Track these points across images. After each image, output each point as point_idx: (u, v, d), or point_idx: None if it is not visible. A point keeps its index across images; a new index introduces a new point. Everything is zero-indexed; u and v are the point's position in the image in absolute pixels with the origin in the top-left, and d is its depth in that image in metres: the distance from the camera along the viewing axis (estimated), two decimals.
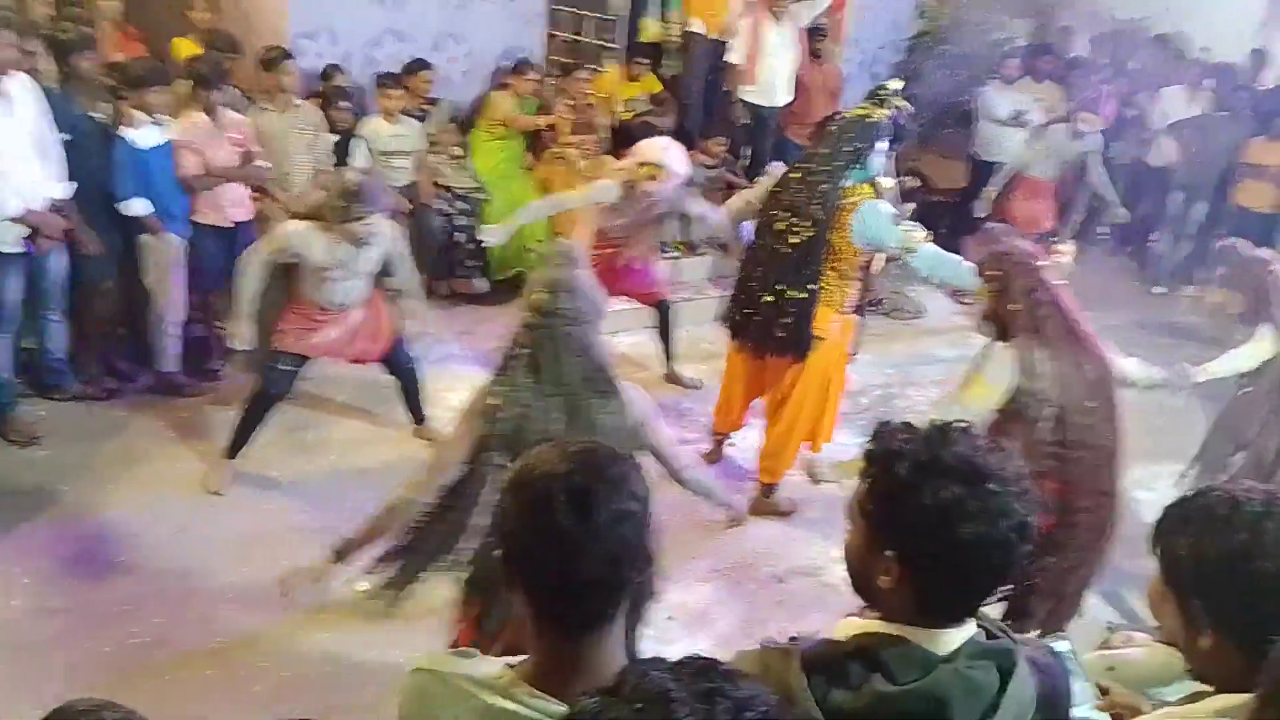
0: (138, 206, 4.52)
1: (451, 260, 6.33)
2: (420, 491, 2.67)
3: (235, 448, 4.31)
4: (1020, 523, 1.39)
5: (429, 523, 2.69)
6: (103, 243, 4.53)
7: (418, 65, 6.16)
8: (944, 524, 1.36)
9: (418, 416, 4.80)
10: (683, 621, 3.84)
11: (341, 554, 2.75)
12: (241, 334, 4.17)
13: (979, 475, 1.38)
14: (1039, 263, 3.20)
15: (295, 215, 4.24)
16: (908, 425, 1.49)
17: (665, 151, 4.84)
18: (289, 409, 4.43)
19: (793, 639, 1.63)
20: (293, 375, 4.29)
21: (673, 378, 5.61)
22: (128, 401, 4.87)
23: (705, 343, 6.06)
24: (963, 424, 1.48)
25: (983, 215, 6.93)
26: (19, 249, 4.21)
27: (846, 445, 4.95)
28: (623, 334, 5.95)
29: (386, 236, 4.25)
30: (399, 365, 4.62)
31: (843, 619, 1.57)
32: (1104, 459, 3.14)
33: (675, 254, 6.71)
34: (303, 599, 2.99)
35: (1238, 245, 4.26)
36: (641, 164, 4.79)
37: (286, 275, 4.19)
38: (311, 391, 5.00)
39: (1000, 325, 3.20)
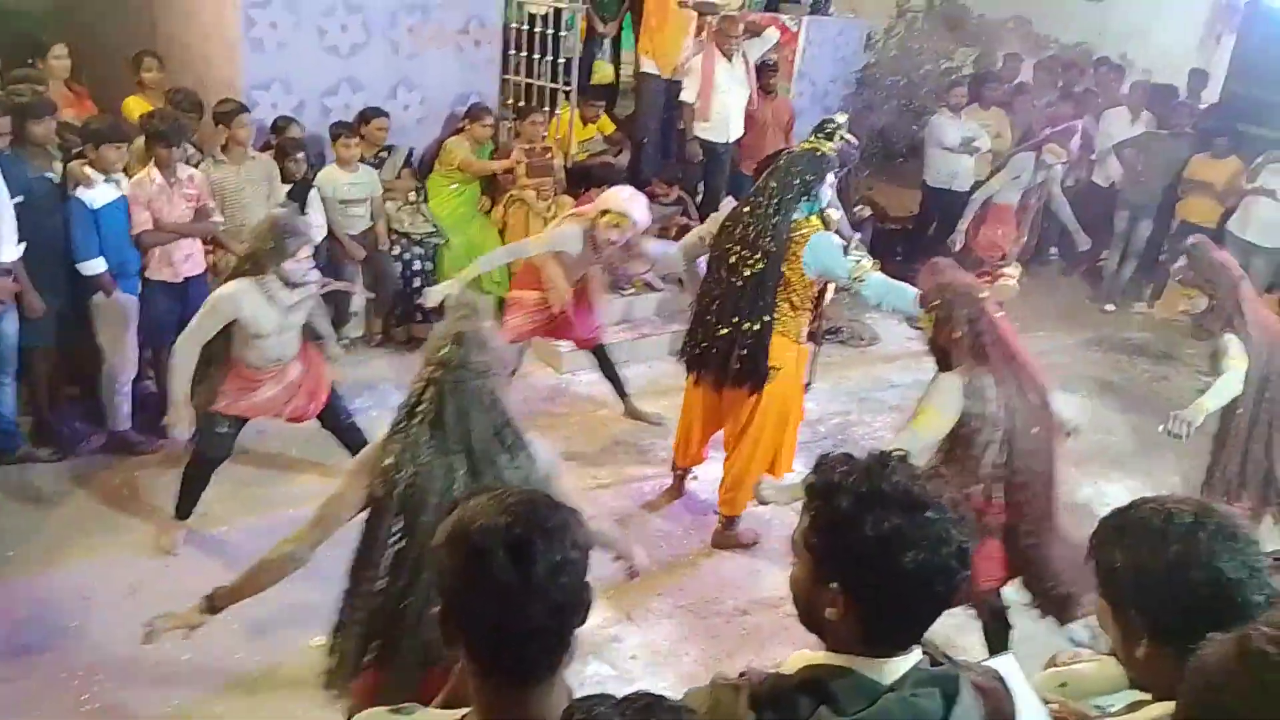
0: (96, 266, 4.48)
1: (409, 305, 6.32)
2: (300, 545, 2.56)
3: (184, 509, 4.25)
4: (960, 548, 1.41)
5: (350, 600, 2.58)
6: (49, 303, 4.47)
7: (372, 113, 6.18)
8: (886, 554, 1.38)
9: None
10: (646, 660, 3.81)
11: (215, 604, 2.62)
12: (179, 419, 4.00)
13: (918, 504, 1.41)
14: (980, 294, 3.27)
15: (229, 275, 4.15)
16: (847, 457, 1.51)
17: (629, 201, 4.84)
18: (241, 465, 4.37)
19: (742, 674, 1.64)
20: (232, 437, 4.22)
21: (633, 413, 5.60)
22: (78, 463, 4.78)
23: (663, 378, 6.09)
24: (900, 453, 1.51)
25: (958, 245, 7.05)
26: None
27: (805, 474, 4.98)
28: (581, 373, 5.96)
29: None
30: (338, 421, 4.55)
31: (795, 653, 1.57)
32: (1046, 483, 3.21)
33: (632, 291, 6.74)
34: (164, 643, 2.79)
35: (1208, 245, 4.24)
36: (604, 212, 4.80)
37: (221, 339, 4.10)
38: (262, 446, 4.95)
39: (943, 354, 3.26)
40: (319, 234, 5.64)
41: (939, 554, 1.39)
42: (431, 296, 4.64)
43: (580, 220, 4.93)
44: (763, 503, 3.59)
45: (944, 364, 3.26)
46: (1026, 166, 6.95)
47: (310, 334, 4.40)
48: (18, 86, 4.57)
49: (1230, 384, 3.92)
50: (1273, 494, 4.13)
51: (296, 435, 4.99)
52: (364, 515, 2.55)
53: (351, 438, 4.62)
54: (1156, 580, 1.53)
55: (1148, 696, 1.62)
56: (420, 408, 2.47)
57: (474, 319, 2.53)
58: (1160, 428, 4.00)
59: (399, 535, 2.46)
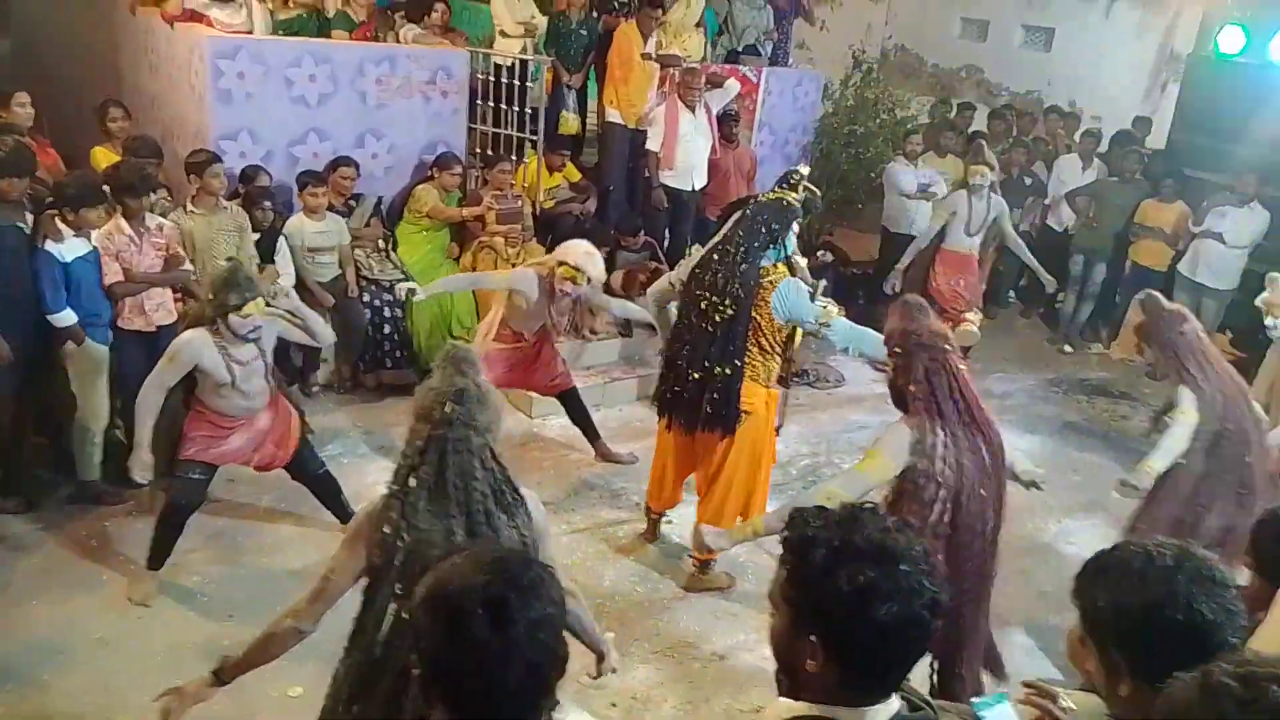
0: (66, 319, 4.46)
1: (379, 351, 6.33)
2: (302, 618, 2.49)
3: (156, 559, 4.20)
4: (932, 599, 1.46)
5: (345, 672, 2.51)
6: (17, 351, 4.43)
7: (340, 162, 6.23)
8: (861, 606, 1.43)
9: (341, 516, 4.68)
10: (625, 707, 3.80)
11: (221, 676, 2.53)
12: (142, 463, 4.04)
13: (890, 556, 1.45)
14: (945, 345, 3.22)
15: (187, 324, 4.16)
16: (820, 510, 1.56)
17: (586, 257, 5.06)
18: (211, 515, 4.33)
19: None
20: (204, 484, 4.19)
21: (605, 455, 5.64)
22: (46, 514, 4.71)
23: (634, 421, 6.13)
24: (869, 505, 1.57)
25: (896, 287, 7.06)
26: None
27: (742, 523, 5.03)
28: (552, 417, 5.99)
29: (273, 320, 4.20)
30: (306, 471, 4.54)
31: (774, 701, 1.61)
32: (989, 545, 3.19)
33: (602, 336, 6.80)
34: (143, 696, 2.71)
35: (1157, 298, 4.33)
36: (561, 264, 4.97)
37: (187, 384, 4.12)
38: (233, 495, 4.92)
39: (900, 397, 3.27)
40: (287, 281, 5.66)
41: (912, 605, 1.43)
42: (402, 287, 5.01)
43: (539, 267, 5.14)
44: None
45: (901, 405, 3.27)
46: (960, 201, 7.07)
47: (279, 382, 4.42)
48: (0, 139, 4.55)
49: (1177, 440, 3.96)
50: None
51: (267, 484, 4.96)
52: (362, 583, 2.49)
53: (323, 488, 4.62)
54: (1137, 620, 1.59)
55: None
56: (421, 470, 2.38)
57: (472, 373, 2.45)
58: (1113, 493, 4.11)
59: (399, 602, 2.36)
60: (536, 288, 5.03)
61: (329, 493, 4.64)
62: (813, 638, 1.47)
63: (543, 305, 5.09)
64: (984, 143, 7.37)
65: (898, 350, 3.25)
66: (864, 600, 1.42)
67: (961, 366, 3.24)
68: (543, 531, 2.53)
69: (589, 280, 5.02)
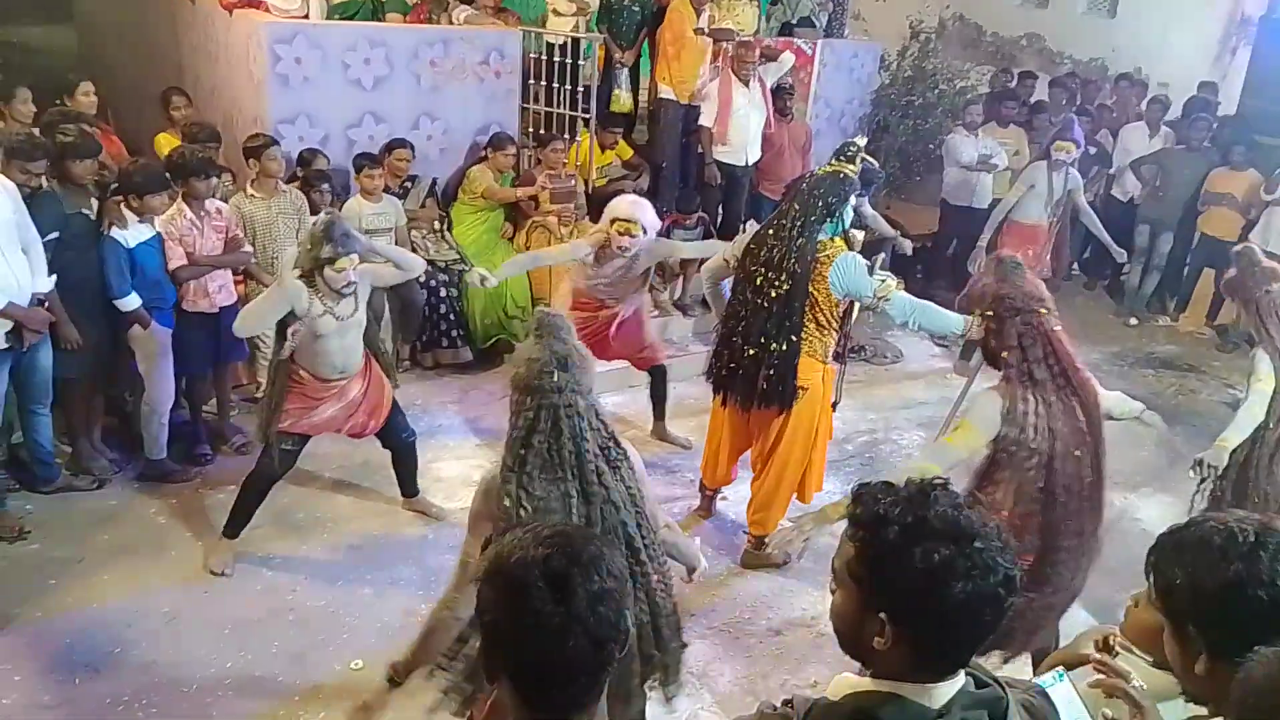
0: (131, 303, 4.57)
1: (435, 331, 6.39)
2: (456, 606, 2.52)
3: (233, 527, 4.32)
4: (1006, 576, 1.43)
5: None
6: (86, 335, 4.56)
7: (395, 144, 6.28)
8: (936, 585, 1.40)
9: (408, 490, 4.82)
10: (682, 683, 3.81)
11: (395, 679, 2.62)
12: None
13: (965, 534, 1.42)
14: (1040, 307, 3.17)
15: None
16: (887, 486, 1.53)
17: (634, 205, 5.03)
18: (276, 490, 4.42)
19: (786, 702, 1.65)
20: (295, 455, 4.34)
21: (661, 435, 5.65)
22: (116, 491, 4.85)
23: (690, 399, 6.11)
24: (940, 481, 1.52)
25: (979, 263, 6.89)
26: (3, 344, 4.23)
27: (835, 493, 4.99)
28: (606, 395, 5.99)
29: (366, 275, 4.25)
30: (396, 439, 4.63)
31: (836, 677, 1.59)
32: (1086, 502, 3.17)
33: (657, 314, 6.78)
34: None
35: (1256, 250, 4.18)
36: (614, 220, 4.94)
37: (285, 362, 4.22)
38: (296, 472, 4.99)
39: (993, 357, 3.23)
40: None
41: (987, 583, 1.40)
42: (473, 275, 4.96)
43: (592, 237, 5.12)
44: (786, 559, 3.58)
45: (994, 364, 3.24)
46: (1040, 175, 6.88)
47: (373, 349, 4.50)
48: (66, 126, 4.66)
49: (1252, 413, 3.89)
50: None
51: (329, 459, 5.06)
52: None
53: (405, 457, 4.72)
54: (1218, 598, 1.54)
55: (1204, 711, 1.63)
56: (535, 438, 2.42)
57: (571, 338, 2.50)
58: (1190, 473, 4.02)
59: None
60: (592, 254, 5.02)
61: (407, 463, 4.73)
62: (882, 615, 1.44)
63: (609, 271, 5.06)
64: (1074, 118, 7.14)
65: (989, 314, 3.19)
66: (938, 579, 1.39)
67: (1057, 327, 3.18)
68: (643, 478, 2.61)
69: (644, 230, 4.96)
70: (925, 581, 1.40)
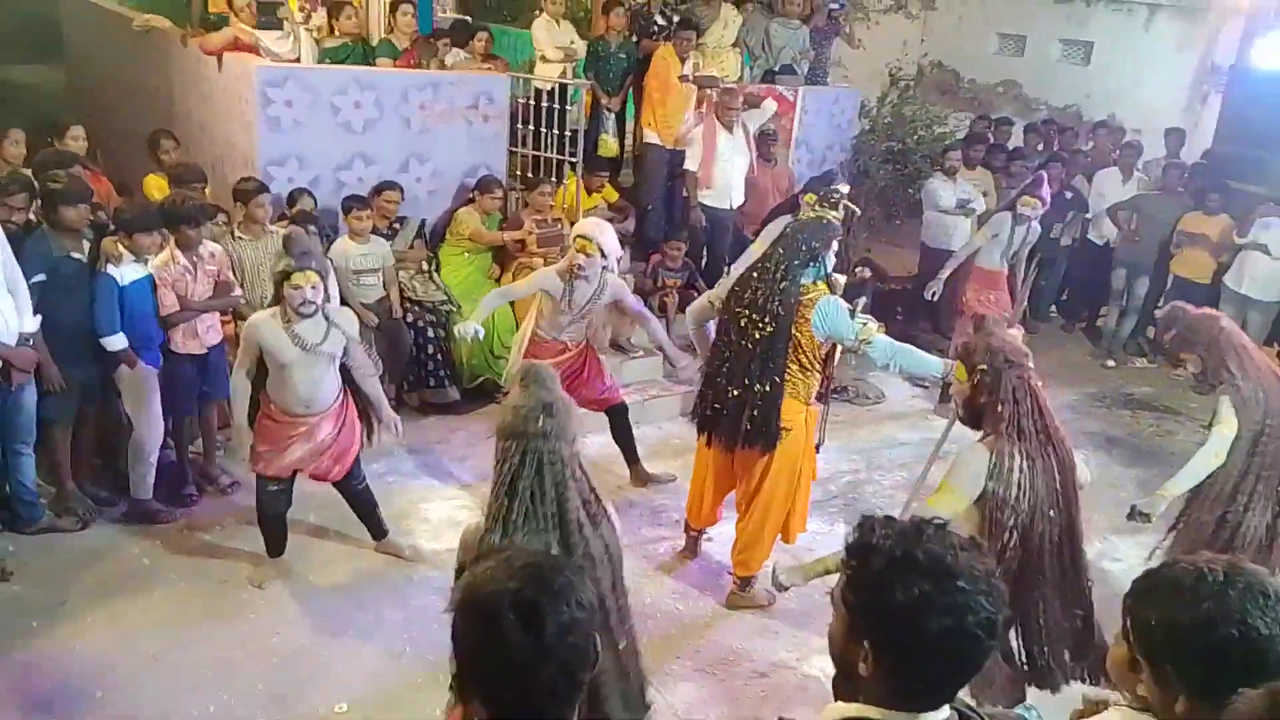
0: (117, 342, 4.59)
1: (422, 371, 6.42)
2: None
3: (273, 549, 4.52)
4: (987, 619, 1.46)
5: None
6: (71, 377, 4.58)
7: (384, 186, 6.36)
8: (913, 618, 1.44)
9: (376, 533, 4.82)
10: None
11: None
12: (240, 440, 4.46)
13: (948, 573, 1.46)
14: (1027, 362, 3.20)
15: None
16: (888, 520, 1.57)
17: (595, 225, 5.15)
18: (258, 533, 4.45)
19: None
20: (283, 492, 4.42)
21: (643, 478, 5.64)
22: (100, 532, 4.83)
23: (674, 439, 6.15)
24: (940, 520, 1.57)
25: (935, 295, 7.03)
26: None
27: (819, 534, 5.03)
28: (590, 435, 6.00)
29: (348, 321, 4.37)
30: (345, 483, 4.64)
31: (828, 705, 1.63)
32: (1055, 560, 3.17)
33: (641, 354, 6.84)
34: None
35: (1184, 306, 4.32)
36: (576, 236, 5.05)
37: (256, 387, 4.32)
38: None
39: (976, 415, 3.23)
40: (334, 303, 5.77)
41: (965, 622, 1.44)
42: (462, 330, 5.09)
43: (560, 265, 5.20)
44: (781, 588, 3.61)
45: (974, 423, 3.25)
46: (1004, 225, 6.98)
47: (355, 392, 4.53)
48: (56, 173, 4.70)
49: (1205, 461, 3.96)
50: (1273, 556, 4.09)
51: (312, 501, 5.04)
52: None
53: (359, 502, 4.73)
54: (1190, 637, 1.59)
55: None
56: (520, 483, 2.42)
57: (556, 387, 2.52)
58: (1126, 517, 4.12)
59: None
60: (560, 285, 5.07)
61: (364, 508, 4.75)
62: (866, 642, 1.50)
63: (576, 304, 5.11)
64: (1045, 176, 7.31)
65: (983, 368, 3.17)
66: (916, 613, 1.44)
67: (1039, 383, 3.22)
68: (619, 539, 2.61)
69: (602, 252, 5.00)
70: (904, 614, 1.44)
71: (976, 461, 3.12)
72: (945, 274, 7.17)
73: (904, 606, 1.44)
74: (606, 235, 5.08)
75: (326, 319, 4.24)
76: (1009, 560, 3.09)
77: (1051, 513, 3.12)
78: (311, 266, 4.11)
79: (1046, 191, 6.99)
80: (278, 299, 4.18)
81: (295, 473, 4.42)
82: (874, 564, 1.49)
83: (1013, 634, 3.22)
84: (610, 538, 2.52)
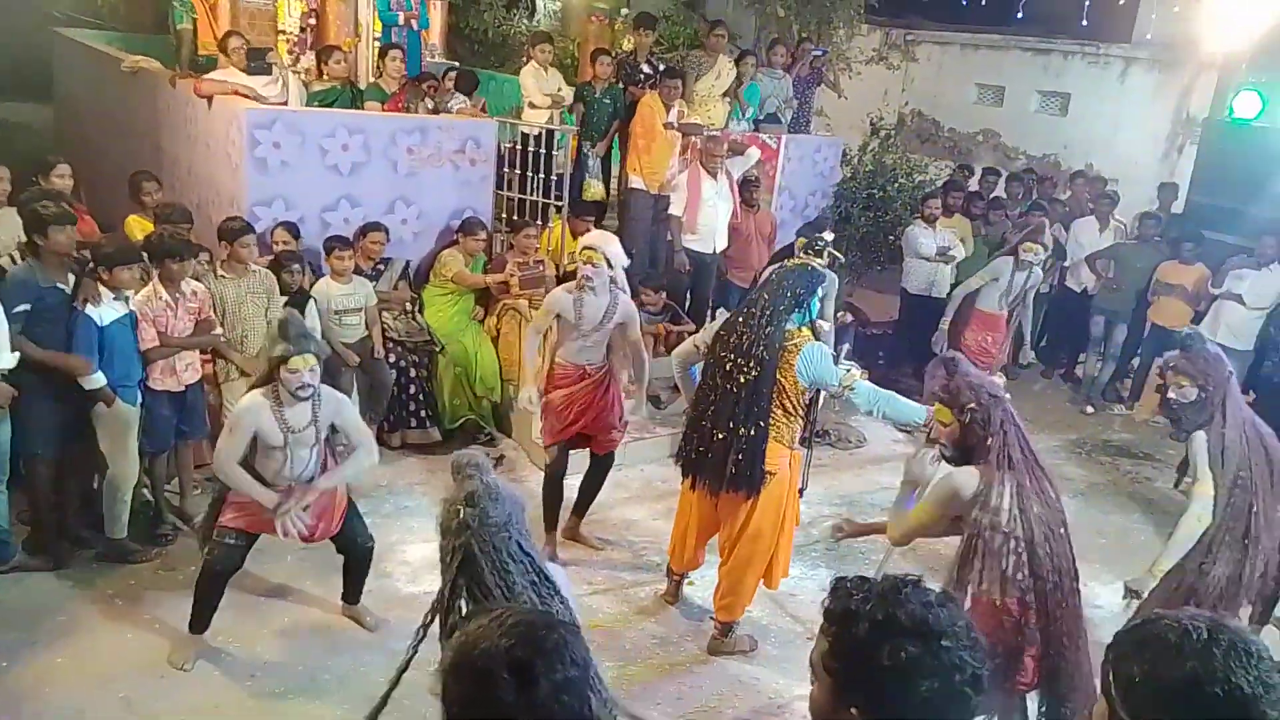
0: (96, 380, 4.55)
1: (404, 411, 6.41)
2: None
3: (198, 623, 4.20)
4: (974, 675, 1.47)
5: None
6: (54, 411, 4.54)
7: (370, 227, 6.38)
8: (902, 683, 1.44)
9: (350, 597, 4.63)
10: None
11: None
12: (280, 510, 4.07)
13: (933, 632, 1.46)
14: (1006, 396, 3.32)
15: (251, 385, 4.23)
16: (862, 580, 1.57)
17: (600, 236, 5.17)
18: (237, 575, 4.33)
19: None
20: (242, 549, 4.20)
21: (575, 533, 5.48)
22: (73, 571, 4.76)
23: (658, 481, 6.14)
24: (913, 578, 1.57)
25: (942, 345, 7.12)
26: None
27: (801, 579, 5.01)
28: (574, 476, 5.96)
29: (333, 400, 4.22)
30: (351, 544, 4.49)
31: None
32: (1072, 583, 3.22)
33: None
34: None
35: (1203, 338, 4.38)
36: (582, 248, 5.05)
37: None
38: (257, 557, 4.88)
39: (966, 453, 3.29)
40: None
41: (953, 681, 1.44)
42: (523, 399, 5.11)
43: (566, 284, 5.16)
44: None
45: (964, 461, 3.30)
46: (1005, 270, 7.13)
47: (333, 451, 4.37)
48: (45, 203, 4.68)
49: (1189, 530, 4.00)
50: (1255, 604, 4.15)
51: (289, 544, 4.98)
52: None
53: (358, 563, 4.55)
54: (1174, 695, 1.56)
55: None
56: (460, 581, 2.37)
57: (478, 474, 2.47)
58: (1121, 600, 4.23)
59: None
60: (570, 303, 4.98)
61: (358, 570, 4.57)
62: (854, 710, 1.48)
63: (588, 320, 5.01)
64: (1045, 222, 7.44)
65: (972, 406, 3.26)
66: (905, 677, 1.43)
67: (1018, 416, 3.31)
68: (575, 610, 2.48)
69: (609, 262, 4.96)
70: (893, 678, 1.43)
71: (964, 480, 3.22)
72: (946, 324, 7.28)
73: (892, 671, 1.43)
74: (611, 245, 5.07)
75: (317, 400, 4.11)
76: (1024, 591, 3.12)
77: (1061, 530, 3.19)
78: (310, 350, 4.03)
79: (1048, 236, 7.13)
80: (268, 379, 4.06)
81: (256, 535, 4.24)
82: (857, 630, 1.47)
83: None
84: (564, 610, 2.40)
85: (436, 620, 2.42)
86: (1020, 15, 11.17)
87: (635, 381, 5.42)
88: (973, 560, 3.18)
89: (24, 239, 4.86)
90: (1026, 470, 3.19)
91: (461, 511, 2.39)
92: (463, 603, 2.38)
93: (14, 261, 4.75)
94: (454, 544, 2.39)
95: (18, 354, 4.36)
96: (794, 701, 4.19)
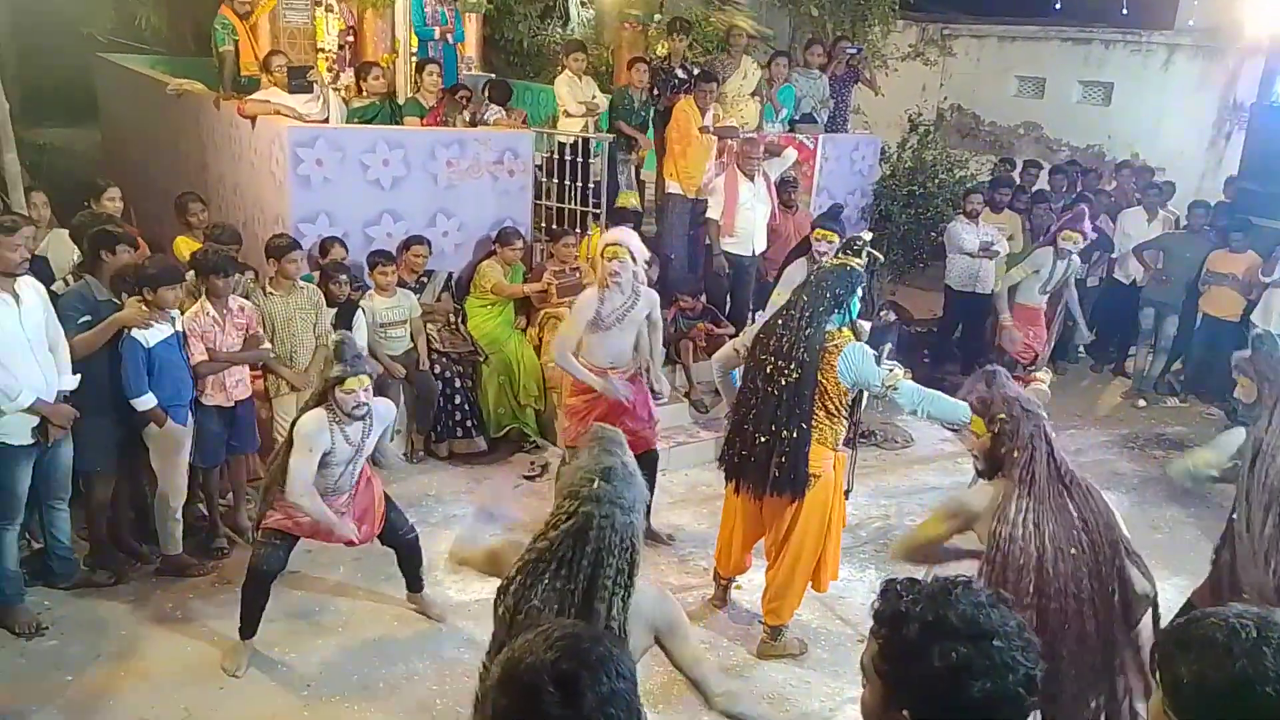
0: (146, 402, 4.65)
1: (449, 421, 6.47)
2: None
3: (247, 627, 4.31)
4: (1026, 675, 1.45)
5: None
6: (108, 428, 4.66)
7: (412, 241, 6.47)
8: (954, 684, 1.42)
9: (413, 586, 4.77)
10: None
11: None
12: (348, 532, 4.27)
13: (984, 633, 1.44)
14: (1041, 410, 3.27)
15: (305, 405, 4.32)
16: (912, 582, 1.56)
17: (619, 232, 5.17)
18: (290, 587, 4.42)
19: None
20: (283, 552, 4.30)
21: (650, 535, 5.45)
22: (133, 586, 4.87)
23: (702, 485, 6.13)
24: (963, 579, 1.55)
25: (982, 341, 7.04)
26: (29, 440, 4.32)
27: (851, 581, 4.98)
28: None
29: (382, 417, 4.36)
30: (395, 537, 4.61)
31: None
32: (1087, 606, 3.08)
33: (665, 400, 6.84)
34: None
35: (1274, 339, 4.29)
36: (605, 246, 5.06)
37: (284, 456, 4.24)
38: (310, 569, 5.02)
39: (996, 466, 3.25)
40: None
41: (1006, 682, 1.42)
42: (603, 388, 5.02)
43: (592, 280, 5.15)
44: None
45: (992, 474, 3.27)
46: (1046, 260, 7.01)
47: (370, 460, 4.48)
48: (105, 227, 4.83)
49: (1231, 438, 4.00)
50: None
51: (341, 556, 5.06)
52: None
53: (409, 553, 4.68)
54: (1223, 695, 1.54)
55: None
56: (558, 543, 2.32)
57: (620, 452, 2.44)
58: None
59: None
60: (595, 301, 5.01)
61: (410, 560, 4.70)
62: (905, 712, 1.46)
63: (610, 314, 5.04)
64: (1085, 210, 7.32)
65: (1002, 417, 3.22)
66: (957, 678, 1.41)
67: (1054, 434, 3.25)
68: (639, 621, 2.41)
69: (632, 256, 4.98)
70: (944, 680, 1.41)
71: (972, 494, 3.26)
72: (1007, 320, 7.02)
73: (943, 673, 1.42)
74: (633, 240, 5.10)
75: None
76: (1026, 609, 3.04)
77: (1073, 550, 3.08)
78: (365, 371, 4.15)
79: (1088, 225, 7.01)
80: (321, 399, 4.16)
81: (297, 539, 4.34)
82: (907, 632, 1.46)
83: None
84: (618, 620, 2.31)
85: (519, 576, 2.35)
86: (1059, 6, 11.05)
87: (649, 358, 5.36)
88: (990, 573, 3.11)
89: (77, 261, 5.00)
90: (1049, 488, 3.13)
91: (596, 482, 2.34)
92: (544, 564, 2.31)
93: (67, 284, 4.88)
94: (576, 509, 2.34)
95: (79, 376, 4.47)
96: (845, 705, 4.16)
